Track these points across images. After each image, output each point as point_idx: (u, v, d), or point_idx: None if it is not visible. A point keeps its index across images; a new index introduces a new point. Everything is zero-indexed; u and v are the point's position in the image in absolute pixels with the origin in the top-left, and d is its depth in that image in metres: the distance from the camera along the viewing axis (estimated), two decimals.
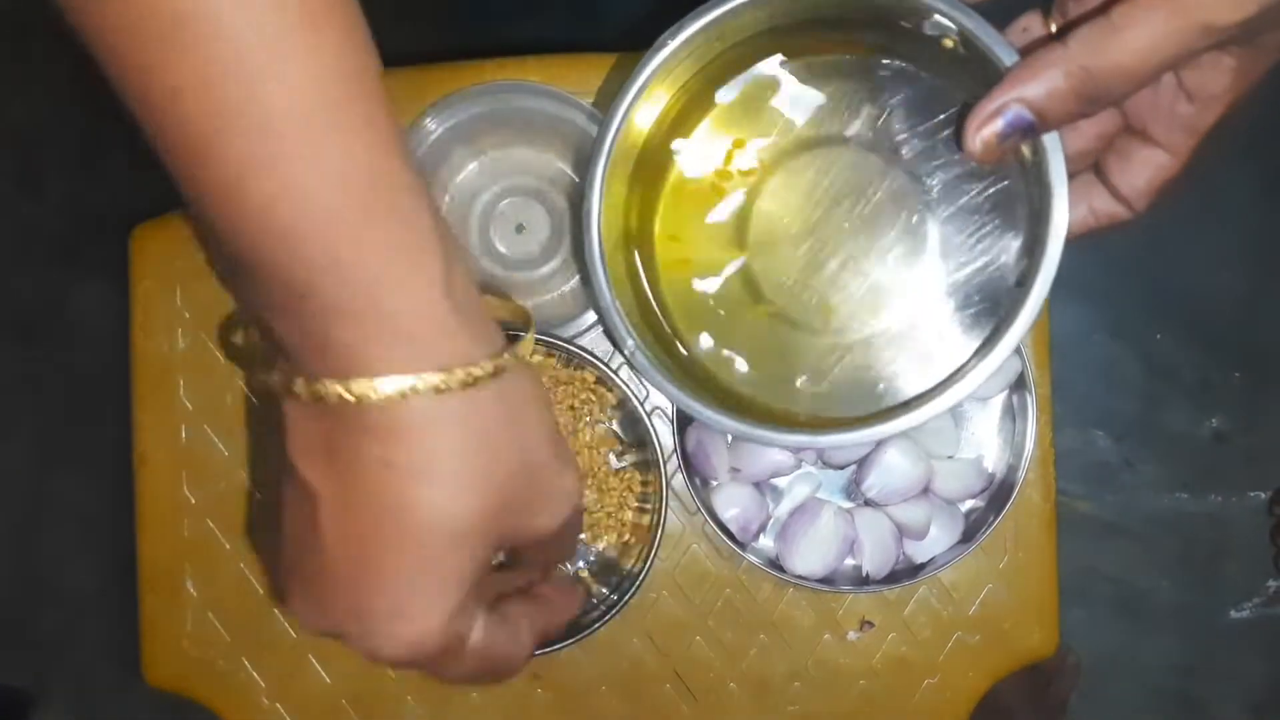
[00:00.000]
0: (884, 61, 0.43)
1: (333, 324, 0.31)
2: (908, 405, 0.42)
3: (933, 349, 0.44)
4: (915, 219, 0.44)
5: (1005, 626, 0.70)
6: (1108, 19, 0.35)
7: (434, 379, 0.31)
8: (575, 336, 0.66)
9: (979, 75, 0.39)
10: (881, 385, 0.45)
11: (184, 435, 0.71)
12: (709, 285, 0.47)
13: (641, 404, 0.63)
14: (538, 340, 0.63)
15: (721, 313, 0.46)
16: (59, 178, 1.31)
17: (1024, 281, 0.40)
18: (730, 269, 0.46)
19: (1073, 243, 0.45)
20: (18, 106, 1.31)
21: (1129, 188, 0.42)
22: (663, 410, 0.69)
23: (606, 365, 0.63)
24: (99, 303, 1.28)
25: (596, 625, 0.63)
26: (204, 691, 0.72)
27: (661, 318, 0.47)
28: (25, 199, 1.31)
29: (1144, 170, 0.42)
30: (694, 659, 0.71)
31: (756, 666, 0.71)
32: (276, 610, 0.71)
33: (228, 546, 0.71)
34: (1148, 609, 1.28)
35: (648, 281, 0.47)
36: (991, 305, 0.43)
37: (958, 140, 0.39)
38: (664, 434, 0.68)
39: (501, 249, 0.69)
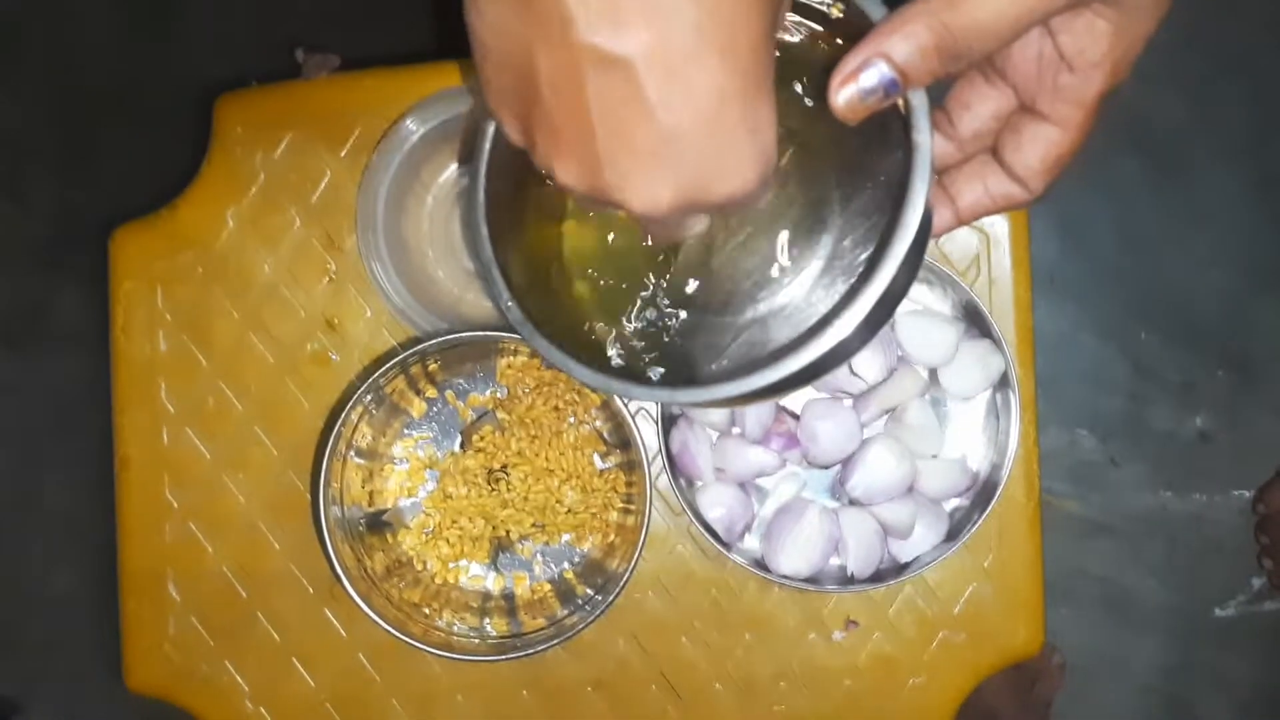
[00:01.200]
0: (789, 41, 0.43)
1: None
2: (770, 358, 0.40)
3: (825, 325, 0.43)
4: (816, 199, 0.43)
5: (990, 625, 0.70)
6: None
7: None
8: None
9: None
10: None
11: (166, 438, 0.71)
12: (603, 254, 0.46)
13: (626, 404, 0.63)
14: (519, 342, 0.63)
15: (616, 284, 0.45)
16: (41, 182, 1.30)
17: (885, 239, 0.39)
18: (625, 239, 0.45)
19: (968, 224, 0.44)
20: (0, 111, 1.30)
21: (1022, 166, 0.42)
22: (647, 411, 0.69)
23: None
24: (81, 306, 1.27)
25: (581, 626, 0.63)
26: (187, 696, 0.71)
27: (559, 295, 0.46)
28: (7, 203, 1.31)
29: (1035, 147, 0.42)
30: (679, 659, 0.71)
31: (742, 666, 0.71)
32: (260, 614, 0.71)
33: (210, 550, 0.71)
34: (1133, 608, 1.28)
35: (544, 251, 0.46)
36: (860, 275, 0.42)
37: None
38: (649, 435, 0.68)
39: None
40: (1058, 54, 0.39)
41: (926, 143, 0.38)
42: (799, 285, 0.43)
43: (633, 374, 0.44)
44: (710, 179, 0.34)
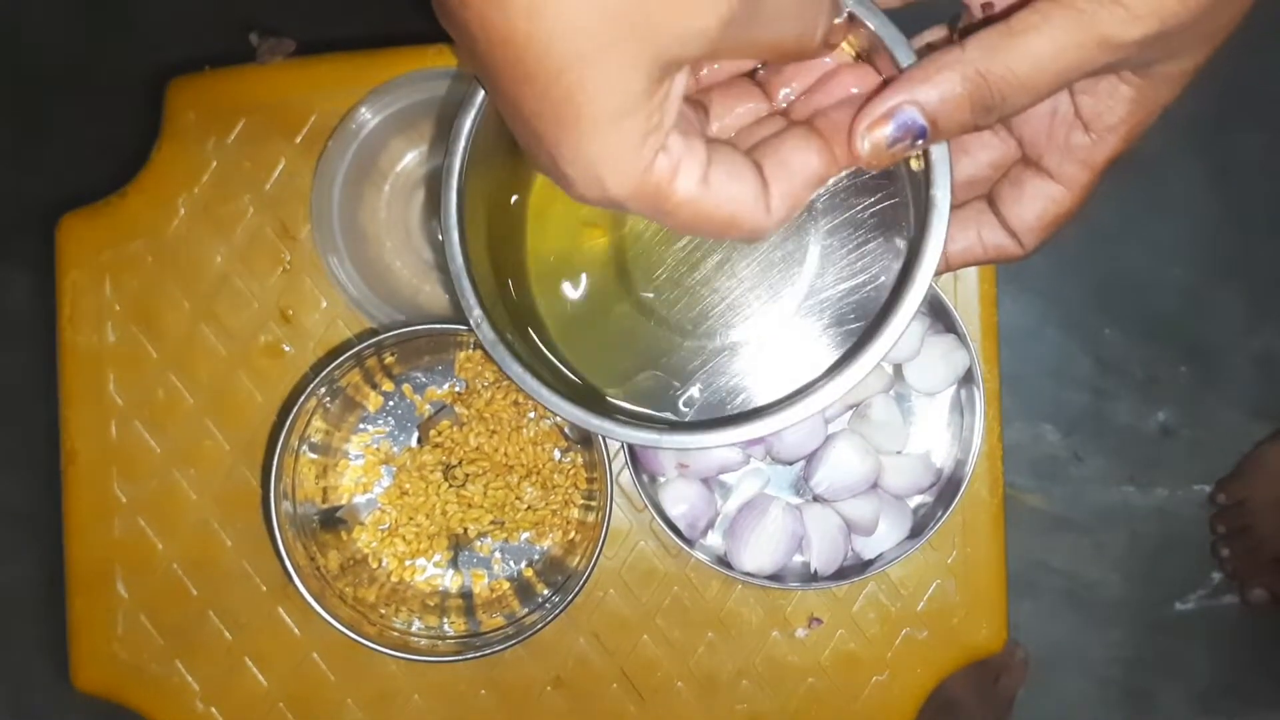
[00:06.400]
0: None
1: None
2: (755, 414, 0.40)
3: (799, 363, 0.42)
4: (798, 227, 0.42)
5: (953, 622, 0.70)
6: (1006, 24, 0.34)
7: None
8: None
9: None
10: (742, 397, 0.43)
11: (114, 431, 0.69)
12: (578, 266, 0.44)
13: None
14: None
15: (588, 298, 0.44)
16: None
17: (894, 299, 0.38)
18: (601, 252, 0.44)
19: (955, 271, 0.43)
20: None
21: (1018, 220, 0.41)
22: None
23: None
24: (29, 295, 1.24)
25: (541, 625, 0.62)
26: (136, 696, 0.69)
27: (525, 297, 0.45)
28: None
29: (1035, 203, 0.40)
30: (641, 658, 0.70)
31: (704, 665, 0.70)
32: (211, 612, 0.69)
33: (160, 546, 0.69)
34: (1095, 602, 1.29)
35: (512, 256, 0.45)
36: (867, 325, 0.41)
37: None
38: None
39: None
40: (1074, 113, 0.38)
41: (946, 203, 0.37)
42: (775, 316, 0.43)
43: (597, 401, 0.42)
44: (558, 174, 0.30)
